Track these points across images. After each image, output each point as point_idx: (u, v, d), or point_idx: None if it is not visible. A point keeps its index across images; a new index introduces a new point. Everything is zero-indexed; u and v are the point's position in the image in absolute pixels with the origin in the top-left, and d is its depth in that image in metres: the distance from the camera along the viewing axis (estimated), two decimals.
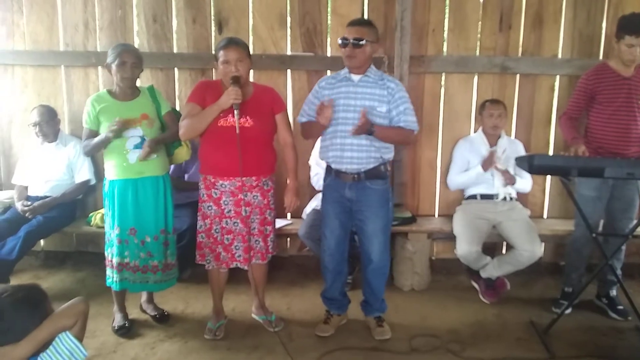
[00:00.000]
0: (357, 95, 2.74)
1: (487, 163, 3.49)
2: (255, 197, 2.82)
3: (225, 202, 2.79)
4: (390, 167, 2.93)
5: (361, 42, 2.67)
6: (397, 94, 2.76)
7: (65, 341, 1.81)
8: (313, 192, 3.76)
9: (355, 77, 2.78)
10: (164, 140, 2.94)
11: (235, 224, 2.81)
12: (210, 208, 2.81)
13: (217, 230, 2.82)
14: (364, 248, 2.90)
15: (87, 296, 3.38)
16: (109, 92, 2.90)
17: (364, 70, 2.77)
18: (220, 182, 2.77)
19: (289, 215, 3.90)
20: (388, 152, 2.83)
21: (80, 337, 1.86)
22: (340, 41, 2.72)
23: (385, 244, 2.89)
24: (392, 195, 2.96)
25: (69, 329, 1.83)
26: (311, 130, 2.91)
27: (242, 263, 2.84)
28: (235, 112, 2.61)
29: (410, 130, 2.79)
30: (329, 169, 2.89)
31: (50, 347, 1.81)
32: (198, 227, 2.88)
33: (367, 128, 2.64)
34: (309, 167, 3.67)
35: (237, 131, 2.62)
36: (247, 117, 2.70)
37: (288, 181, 2.94)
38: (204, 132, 2.72)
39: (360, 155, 2.75)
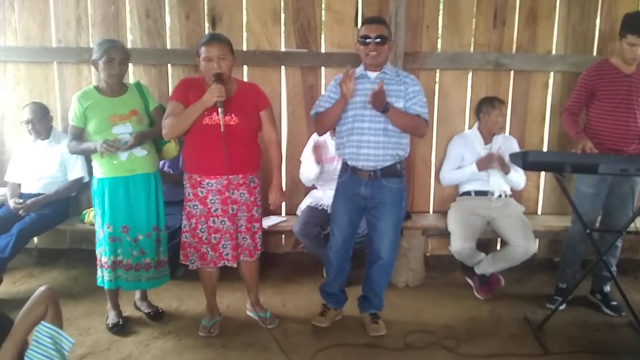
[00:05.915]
0: None
1: (483, 164, 3.49)
2: (242, 195, 2.80)
3: (212, 201, 2.76)
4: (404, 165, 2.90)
5: (384, 40, 2.68)
6: (410, 88, 2.74)
7: (44, 331, 1.79)
8: (307, 189, 3.75)
9: (372, 75, 2.76)
10: (151, 135, 2.89)
11: (223, 223, 2.79)
12: (196, 207, 2.79)
13: (202, 230, 2.80)
14: (374, 245, 2.89)
15: (81, 294, 3.45)
16: (96, 88, 2.85)
17: (381, 67, 2.76)
18: (207, 180, 2.74)
19: (283, 212, 3.90)
20: (404, 150, 2.81)
21: (57, 324, 1.84)
22: (360, 39, 2.69)
23: (395, 242, 2.89)
24: (406, 194, 2.95)
25: (42, 318, 1.81)
26: (325, 118, 2.80)
27: (231, 261, 2.83)
28: (220, 110, 2.58)
29: (423, 120, 2.75)
30: (345, 166, 2.87)
31: (32, 342, 1.79)
32: (183, 226, 2.86)
33: (382, 100, 2.60)
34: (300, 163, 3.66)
35: (222, 129, 2.60)
36: (232, 115, 2.67)
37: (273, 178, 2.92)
38: (187, 130, 2.68)
39: (376, 152, 2.73)
